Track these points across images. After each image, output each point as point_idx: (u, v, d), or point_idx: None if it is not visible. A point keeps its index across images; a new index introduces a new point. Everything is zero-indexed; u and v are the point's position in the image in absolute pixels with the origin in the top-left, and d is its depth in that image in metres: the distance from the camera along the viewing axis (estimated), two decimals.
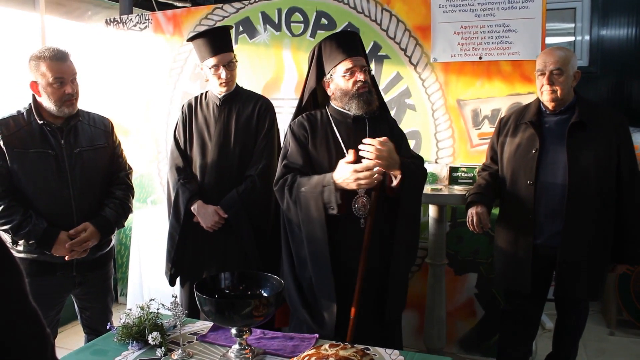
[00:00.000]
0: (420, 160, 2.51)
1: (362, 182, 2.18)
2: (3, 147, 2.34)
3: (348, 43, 2.39)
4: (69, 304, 2.73)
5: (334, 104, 2.46)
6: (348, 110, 2.41)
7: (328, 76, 2.41)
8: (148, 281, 3.84)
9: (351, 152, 2.22)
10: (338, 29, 3.58)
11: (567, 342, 2.82)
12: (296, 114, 2.56)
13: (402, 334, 2.58)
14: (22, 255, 2.41)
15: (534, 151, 2.58)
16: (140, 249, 3.91)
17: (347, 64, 2.35)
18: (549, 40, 4.74)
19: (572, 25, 4.79)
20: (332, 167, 2.35)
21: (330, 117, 2.46)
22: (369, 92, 2.37)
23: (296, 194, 2.31)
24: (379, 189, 2.28)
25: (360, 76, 2.34)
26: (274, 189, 2.44)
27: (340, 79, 2.37)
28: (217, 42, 2.74)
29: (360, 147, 2.21)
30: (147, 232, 3.87)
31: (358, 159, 2.22)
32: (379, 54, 3.50)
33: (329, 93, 2.46)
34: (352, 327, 2.24)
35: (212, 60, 2.73)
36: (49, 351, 0.78)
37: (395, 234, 2.35)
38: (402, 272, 2.46)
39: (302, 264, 2.39)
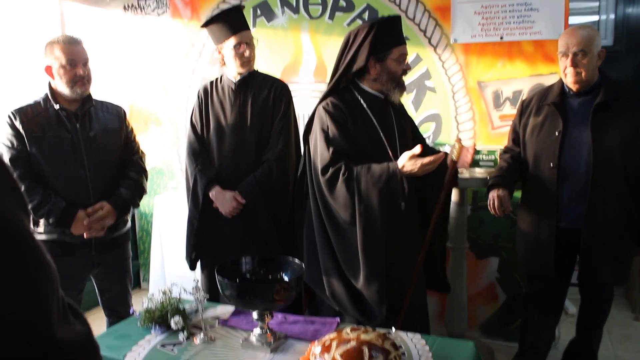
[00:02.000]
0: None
1: (429, 170, 2.25)
2: (22, 132, 2.43)
3: (401, 29, 2.45)
4: (92, 290, 2.78)
5: (369, 85, 2.45)
6: (383, 94, 2.44)
7: (381, 56, 2.39)
8: (170, 266, 3.87)
9: (418, 146, 2.23)
10: (356, 11, 3.53)
11: (591, 327, 2.78)
12: (328, 93, 2.51)
13: (428, 318, 2.58)
14: (43, 236, 2.51)
15: (557, 133, 2.53)
16: (162, 235, 3.94)
17: (402, 50, 2.40)
18: (573, 19, 4.60)
19: (597, 3, 4.66)
20: (373, 150, 2.39)
21: (361, 100, 2.45)
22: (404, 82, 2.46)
23: (355, 186, 2.28)
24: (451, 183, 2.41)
25: (406, 67, 2.43)
26: (321, 177, 2.36)
27: (393, 62, 2.38)
28: (235, 21, 2.72)
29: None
30: (168, 217, 3.89)
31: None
32: None
33: (373, 74, 2.42)
34: (404, 313, 2.25)
35: (232, 40, 2.70)
36: (55, 288, 0.74)
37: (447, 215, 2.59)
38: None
39: (351, 258, 2.34)
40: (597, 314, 2.76)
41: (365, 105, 2.42)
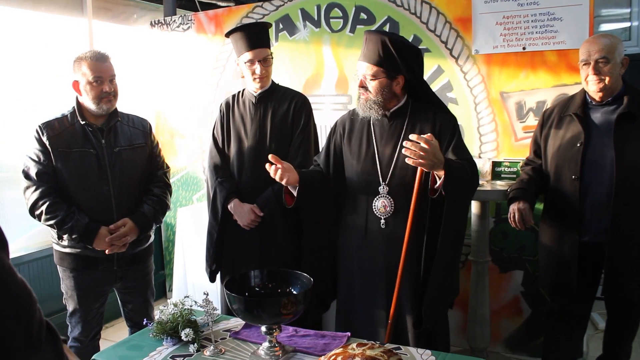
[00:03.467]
0: (471, 164, 2.32)
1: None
2: (49, 147, 2.47)
3: (369, 45, 2.33)
4: (114, 301, 2.84)
5: None
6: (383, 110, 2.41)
7: None
8: (192, 277, 3.92)
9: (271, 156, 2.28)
10: (377, 24, 3.54)
11: (618, 343, 2.69)
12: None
13: (449, 334, 2.52)
14: (67, 250, 2.56)
15: (578, 144, 2.47)
16: (184, 246, 4.00)
17: (360, 65, 2.37)
18: (604, 27, 4.53)
19: (628, 10, 4.55)
20: (359, 165, 2.38)
21: (371, 116, 2.43)
22: (366, 100, 2.35)
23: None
24: (418, 190, 2.19)
25: (358, 83, 2.37)
26: None
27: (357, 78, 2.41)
28: (254, 37, 2.74)
29: (404, 144, 2.11)
30: (192, 228, 3.94)
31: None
32: (419, 47, 3.42)
33: None
34: (390, 328, 2.21)
35: (247, 55, 2.73)
36: (24, 311, 0.72)
37: (440, 236, 2.25)
38: (442, 275, 2.30)
39: None
40: (624, 329, 2.68)
41: (372, 119, 2.42)
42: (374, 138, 2.39)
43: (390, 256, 2.30)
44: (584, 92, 2.56)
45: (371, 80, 2.32)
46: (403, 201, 2.28)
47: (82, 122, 2.53)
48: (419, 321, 2.30)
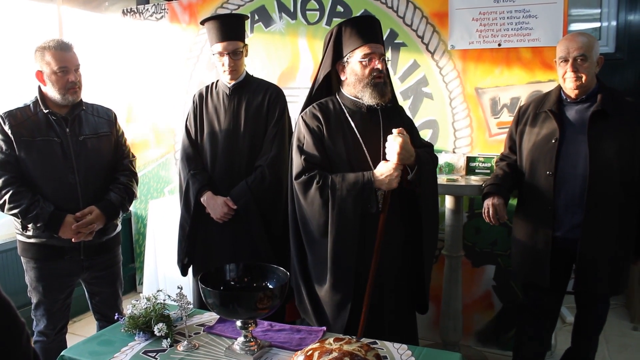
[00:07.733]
0: (431, 148, 2.48)
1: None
2: (11, 136, 2.42)
3: (370, 28, 2.32)
4: (82, 294, 2.78)
5: (347, 91, 2.37)
6: (360, 99, 2.33)
7: (345, 59, 2.32)
8: (163, 270, 3.86)
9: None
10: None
11: (586, 337, 2.73)
12: (308, 101, 2.48)
13: (417, 327, 2.54)
14: (31, 240, 2.50)
15: (553, 141, 2.50)
16: (156, 238, 3.93)
17: (366, 50, 2.26)
18: (574, 26, 4.60)
19: (598, 10, 4.62)
20: (350, 159, 2.30)
21: (343, 107, 2.37)
22: (384, 83, 2.30)
23: (330, 193, 2.21)
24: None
25: (377, 65, 2.26)
26: (294, 181, 2.32)
27: (357, 64, 2.28)
28: (227, 28, 2.70)
29: (388, 137, 2.19)
30: (163, 221, 3.88)
31: None
32: (395, 41, 3.43)
33: (342, 78, 2.36)
34: (363, 321, 2.20)
35: (218, 47, 2.71)
36: (23, 340, 0.74)
37: (422, 226, 2.31)
38: (430, 264, 2.45)
39: (319, 264, 2.30)
40: (593, 323, 2.72)
41: (347, 112, 2.35)
42: (356, 131, 2.33)
43: (389, 250, 2.31)
44: (559, 89, 2.59)
45: (383, 62, 2.30)
46: (395, 193, 2.28)
47: (46, 111, 2.48)
48: (424, 307, 2.45)
